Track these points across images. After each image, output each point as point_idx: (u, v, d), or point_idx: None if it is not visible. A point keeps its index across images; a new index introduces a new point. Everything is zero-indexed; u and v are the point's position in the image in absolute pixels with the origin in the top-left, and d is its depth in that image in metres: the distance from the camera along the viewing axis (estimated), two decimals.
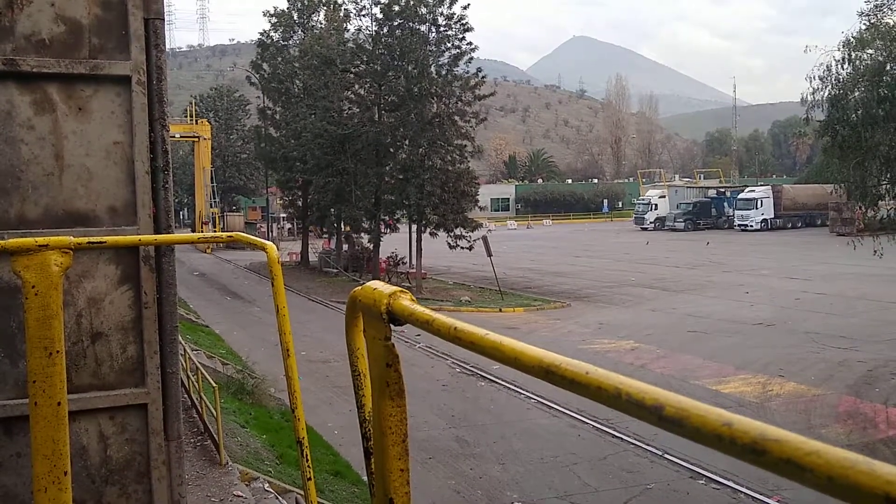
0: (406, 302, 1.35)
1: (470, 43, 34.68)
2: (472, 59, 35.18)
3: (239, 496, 8.89)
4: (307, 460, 2.51)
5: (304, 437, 2.51)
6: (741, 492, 11.71)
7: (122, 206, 3.66)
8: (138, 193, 3.65)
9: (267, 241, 2.69)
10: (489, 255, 31.95)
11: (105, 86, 3.58)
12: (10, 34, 3.44)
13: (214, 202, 60.38)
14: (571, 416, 15.37)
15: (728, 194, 74.23)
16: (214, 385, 10.92)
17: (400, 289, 1.39)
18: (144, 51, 3.59)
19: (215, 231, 55.78)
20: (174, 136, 57.73)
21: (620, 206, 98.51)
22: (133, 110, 3.59)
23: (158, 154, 3.68)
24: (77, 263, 3.50)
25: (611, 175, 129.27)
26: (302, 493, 9.66)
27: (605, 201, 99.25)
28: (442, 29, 34.74)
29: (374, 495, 1.52)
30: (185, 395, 13.20)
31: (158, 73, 3.62)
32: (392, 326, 1.38)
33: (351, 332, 1.59)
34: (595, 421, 14.90)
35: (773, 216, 65.35)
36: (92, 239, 2.63)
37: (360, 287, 1.48)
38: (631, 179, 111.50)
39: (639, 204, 78.15)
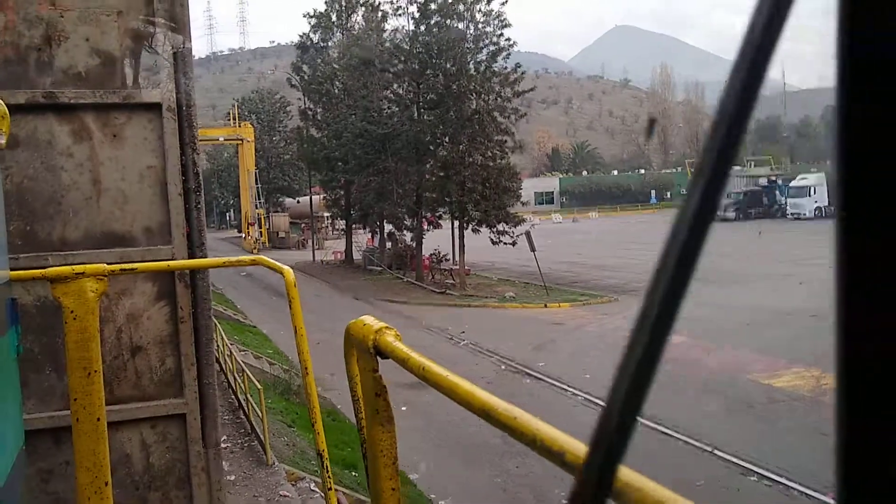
0: (390, 338, 1.47)
1: (508, 39, 34.60)
2: (510, 54, 35.07)
3: (285, 496, 9.11)
4: (328, 471, 2.64)
5: (324, 450, 2.64)
6: (794, 489, 11.48)
7: (157, 227, 3.86)
8: (172, 214, 3.83)
9: (284, 266, 2.82)
10: (533, 250, 31.85)
11: (137, 113, 3.78)
12: (49, 68, 3.65)
13: (260, 203, 61.35)
14: None
15: (780, 182, 72.47)
16: (259, 386, 11.17)
17: (385, 325, 1.51)
18: (173, 78, 3.77)
19: (261, 231, 56.96)
20: (219, 140, 58.91)
21: (669, 196, 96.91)
22: (164, 135, 3.77)
23: (190, 176, 3.86)
24: (116, 282, 3.70)
25: (658, 165, 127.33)
26: (346, 492, 9.87)
27: (653, 192, 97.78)
28: (480, 25, 34.71)
29: None
30: (233, 396, 13.54)
31: (187, 99, 3.80)
32: (379, 359, 1.50)
33: (349, 362, 1.71)
34: (642, 417, 14.81)
35: (827, 204, 63.60)
36: (124, 266, 2.81)
37: (353, 321, 1.60)
38: (679, 169, 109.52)
39: None
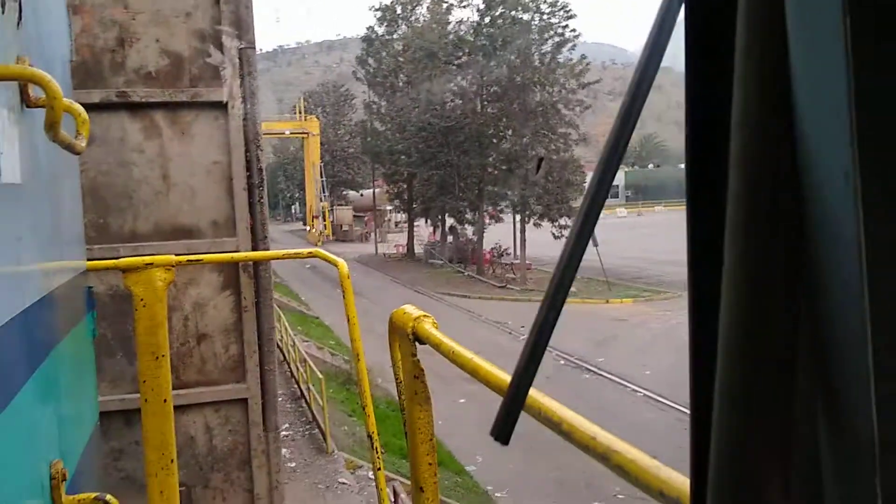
0: (427, 326, 1.59)
1: (573, 30, 34.29)
2: (575, 45, 34.75)
3: (343, 483, 9.33)
4: (377, 453, 2.75)
5: (373, 432, 2.75)
6: None
7: (223, 220, 4.05)
8: (237, 208, 4.02)
9: (339, 259, 2.94)
10: (595, 245, 31.43)
11: (204, 111, 3.97)
12: (122, 68, 3.87)
13: (324, 196, 62.25)
14: (679, 409, 15.06)
15: None
16: (321, 376, 11.43)
17: (424, 313, 1.62)
18: (238, 77, 3.94)
19: (325, 224, 57.92)
20: (284, 133, 60.01)
21: None
22: (229, 132, 3.96)
23: (254, 171, 4.04)
24: (184, 272, 3.89)
25: None
26: (403, 481, 10.04)
27: None
28: (545, 17, 34.47)
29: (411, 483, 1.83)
30: (295, 385, 13.88)
31: (251, 97, 3.97)
32: (417, 344, 1.63)
33: (393, 347, 1.83)
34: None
35: None
36: (191, 257, 2.98)
37: (396, 309, 1.71)
38: None
39: None
